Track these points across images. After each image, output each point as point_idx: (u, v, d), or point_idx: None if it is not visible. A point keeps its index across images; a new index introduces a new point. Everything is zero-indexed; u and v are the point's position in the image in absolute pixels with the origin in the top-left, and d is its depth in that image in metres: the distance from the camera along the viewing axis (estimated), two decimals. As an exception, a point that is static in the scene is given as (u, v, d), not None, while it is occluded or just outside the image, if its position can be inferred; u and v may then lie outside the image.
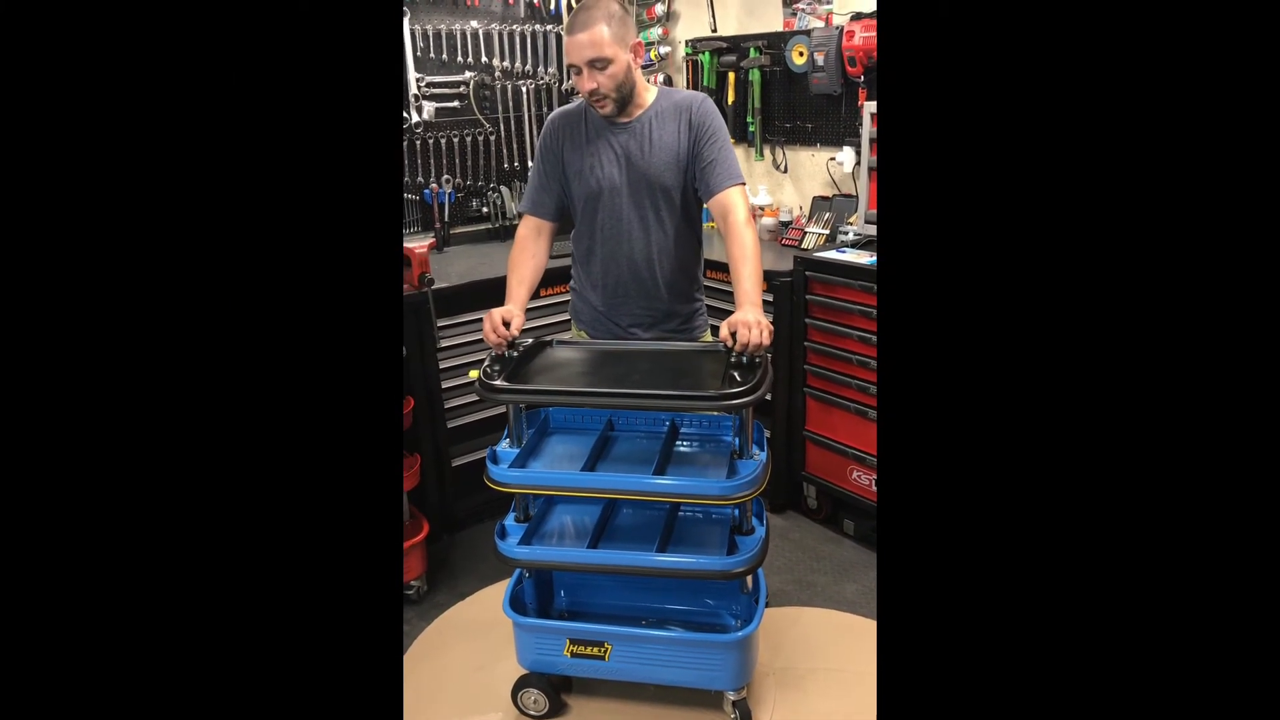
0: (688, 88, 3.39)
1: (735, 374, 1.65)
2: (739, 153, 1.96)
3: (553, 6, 3.21)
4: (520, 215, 2.07)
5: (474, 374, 1.77)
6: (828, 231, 2.83)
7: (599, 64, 1.79)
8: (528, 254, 2.00)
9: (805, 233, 2.89)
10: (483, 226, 3.25)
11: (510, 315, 1.85)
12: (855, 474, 2.55)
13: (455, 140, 3.12)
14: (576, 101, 2.01)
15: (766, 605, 1.91)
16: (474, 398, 2.66)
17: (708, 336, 2.11)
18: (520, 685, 1.95)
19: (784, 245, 2.93)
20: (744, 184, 1.92)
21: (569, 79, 1.91)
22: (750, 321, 1.67)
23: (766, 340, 1.68)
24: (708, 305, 2.14)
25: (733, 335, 1.68)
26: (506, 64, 3.18)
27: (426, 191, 3.07)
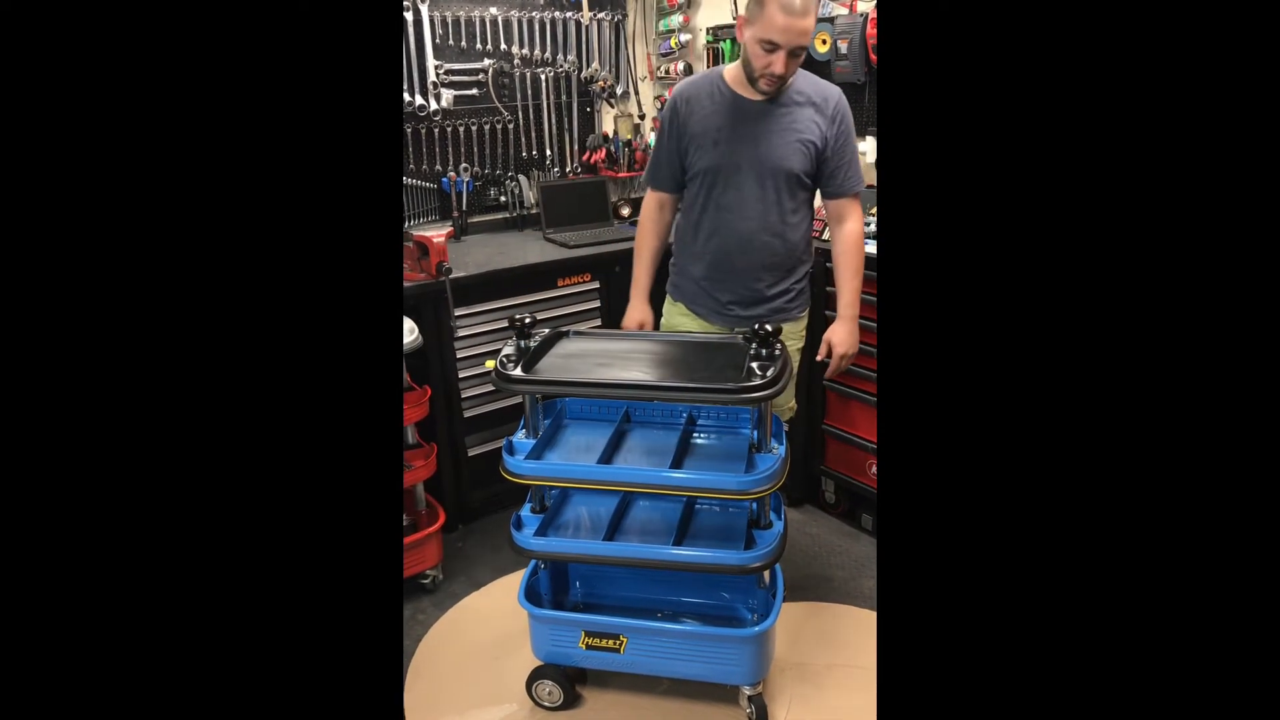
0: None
1: (754, 367, 1.63)
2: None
3: (573, -7, 3.19)
4: (644, 189, 2.17)
5: (490, 364, 1.76)
6: (849, 222, 2.79)
7: (799, 52, 1.81)
8: (648, 234, 2.12)
9: (826, 224, 2.85)
10: (501, 215, 3.23)
11: (640, 320, 2.12)
12: (874, 469, 2.52)
13: (474, 128, 3.10)
14: (701, 73, 2.08)
15: (783, 600, 1.89)
16: (491, 388, 2.65)
17: (804, 320, 2.18)
18: (535, 676, 1.95)
19: (804, 236, 2.90)
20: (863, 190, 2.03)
21: (748, 50, 1.87)
22: (848, 354, 2.04)
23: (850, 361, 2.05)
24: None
25: (828, 353, 2.04)
26: (526, 51, 3.15)
27: (444, 180, 3.05)
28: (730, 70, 1.96)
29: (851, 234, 1.99)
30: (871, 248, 2.40)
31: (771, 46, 1.78)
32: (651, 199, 2.11)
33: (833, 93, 1.94)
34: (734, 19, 3.22)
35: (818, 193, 2.06)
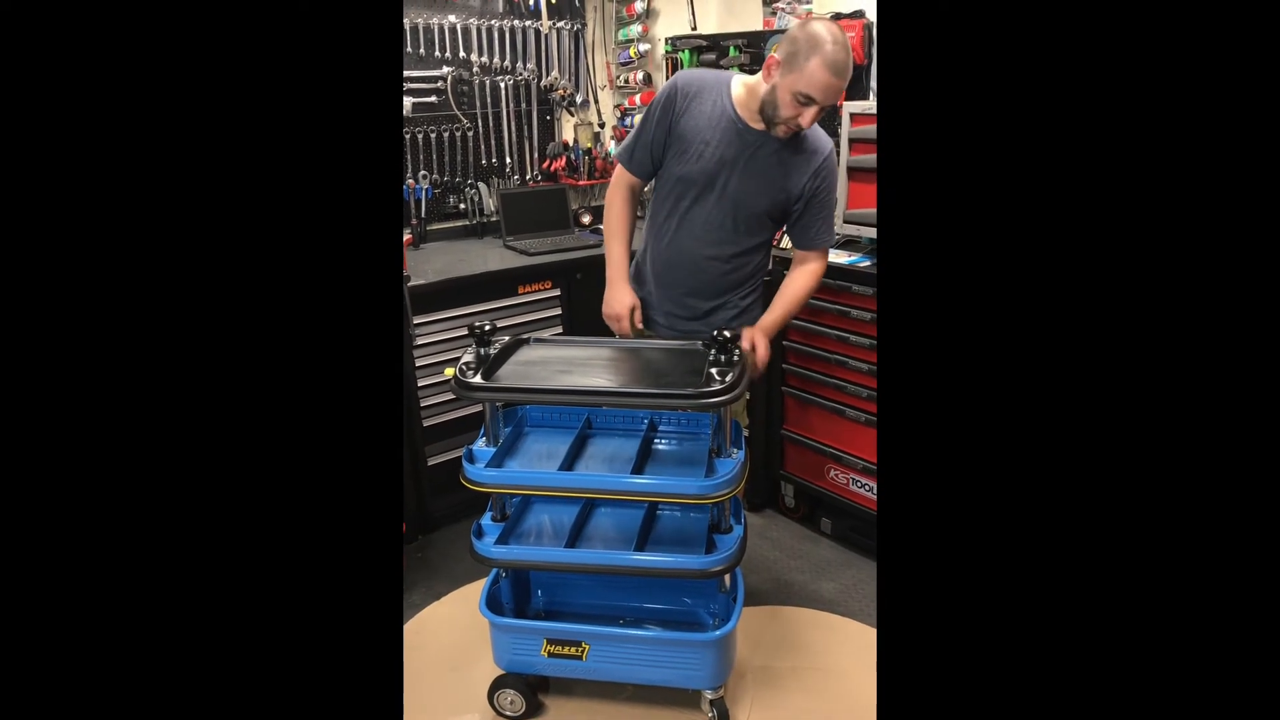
0: (667, 85, 3.37)
1: (714, 372, 1.65)
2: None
3: (531, 2, 3.19)
4: (614, 162, 2.10)
5: (449, 372, 1.75)
6: (806, 230, 2.83)
7: (827, 108, 1.77)
8: (620, 215, 2.05)
9: (784, 232, 2.89)
10: (460, 223, 3.22)
11: (632, 304, 2.02)
12: (833, 473, 2.56)
13: (433, 136, 3.09)
14: (712, 73, 1.97)
15: (744, 604, 1.90)
16: (450, 396, 2.63)
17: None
18: (497, 686, 1.94)
19: (763, 244, 2.92)
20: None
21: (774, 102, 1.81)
22: (765, 359, 1.94)
23: (763, 368, 1.95)
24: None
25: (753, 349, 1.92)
26: (485, 59, 3.15)
27: (403, 187, 3.03)
28: (739, 89, 1.89)
29: (810, 273, 2.01)
30: (849, 259, 2.44)
31: (807, 100, 1.73)
32: (622, 179, 2.03)
33: (825, 147, 1.92)
34: (691, 28, 3.26)
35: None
